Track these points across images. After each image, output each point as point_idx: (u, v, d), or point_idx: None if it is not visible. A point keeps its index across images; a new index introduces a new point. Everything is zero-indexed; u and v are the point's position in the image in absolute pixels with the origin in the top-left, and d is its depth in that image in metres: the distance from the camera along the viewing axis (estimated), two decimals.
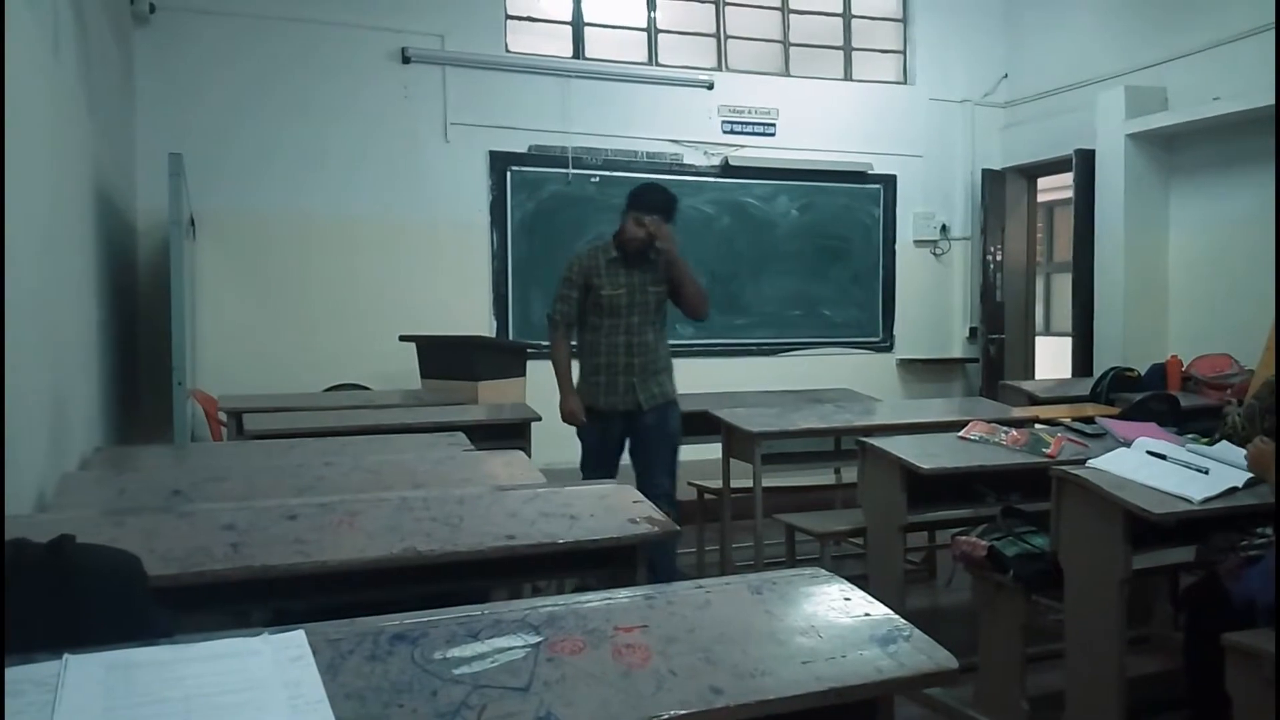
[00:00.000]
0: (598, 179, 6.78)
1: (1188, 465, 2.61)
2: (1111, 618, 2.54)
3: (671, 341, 3.96)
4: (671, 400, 3.99)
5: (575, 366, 4.05)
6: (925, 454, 3.13)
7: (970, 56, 7.64)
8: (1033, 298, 7.92)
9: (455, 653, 1.21)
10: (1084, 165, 6.60)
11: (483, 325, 6.49)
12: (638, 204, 3.94)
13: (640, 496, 2.21)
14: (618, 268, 3.93)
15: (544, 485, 2.35)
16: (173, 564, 1.71)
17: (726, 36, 7.22)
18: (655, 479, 3.83)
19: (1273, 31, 5.03)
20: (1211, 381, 4.96)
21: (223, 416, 4.57)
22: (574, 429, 3.99)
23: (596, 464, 3.92)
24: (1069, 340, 6.93)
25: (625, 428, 3.93)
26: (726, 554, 4.18)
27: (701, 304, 4.02)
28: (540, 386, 5.49)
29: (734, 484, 4.20)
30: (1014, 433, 3.35)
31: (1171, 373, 5.06)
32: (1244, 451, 2.65)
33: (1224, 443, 2.78)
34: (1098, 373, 5.29)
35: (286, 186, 6.08)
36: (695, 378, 5.55)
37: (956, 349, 7.72)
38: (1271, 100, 4.91)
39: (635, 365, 3.90)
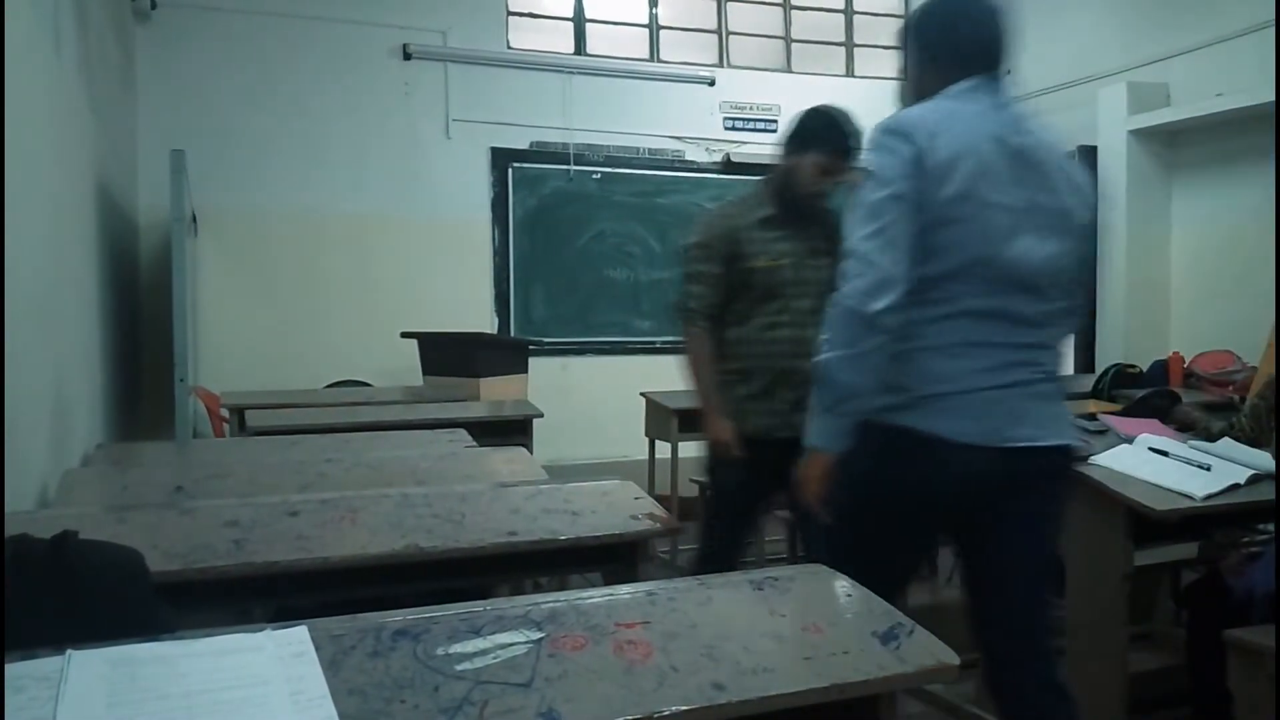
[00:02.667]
0: (599, 175, 6.78)
1: (1190, 462, 2.60)
2: (1113, 614, 2.53)
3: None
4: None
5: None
6: None
7: None
8: None
9: (457, 649, 1.21)
10: (1086, 161, 6.59)
11: (484, 322, 6.49)
12: (832, 143, 2.68)
13: (641, 492, 2.21)
14: (774, 229, 2.75)
15: (546, 482, 2.34)
16: (175, 560, 1.71)
17: (728, 33, 7.21)
18: None
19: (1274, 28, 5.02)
20: (1213, 378, 4.96)
21: (225, 413, 4.57)
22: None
23: (732, 512, 2.83)
24: (1071, 336, 6.92)
25: (781, 464, 2.44)
26: None
27: None
28: (542, 383, 5.50)
29: None
30: None
31: (1173, 369, 5.05)
32: (1247, 449, 2.65)
33: (1226, 439, 2.78)
34: (1099, 369, 5.29)
35: (288, 183, 6.08)
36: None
37: None
38: (1274, 96, 4.90)
39: (803, 372, 2.48)
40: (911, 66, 1.98)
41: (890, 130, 1.81)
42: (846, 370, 1.76)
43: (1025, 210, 1.78)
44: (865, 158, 1.84)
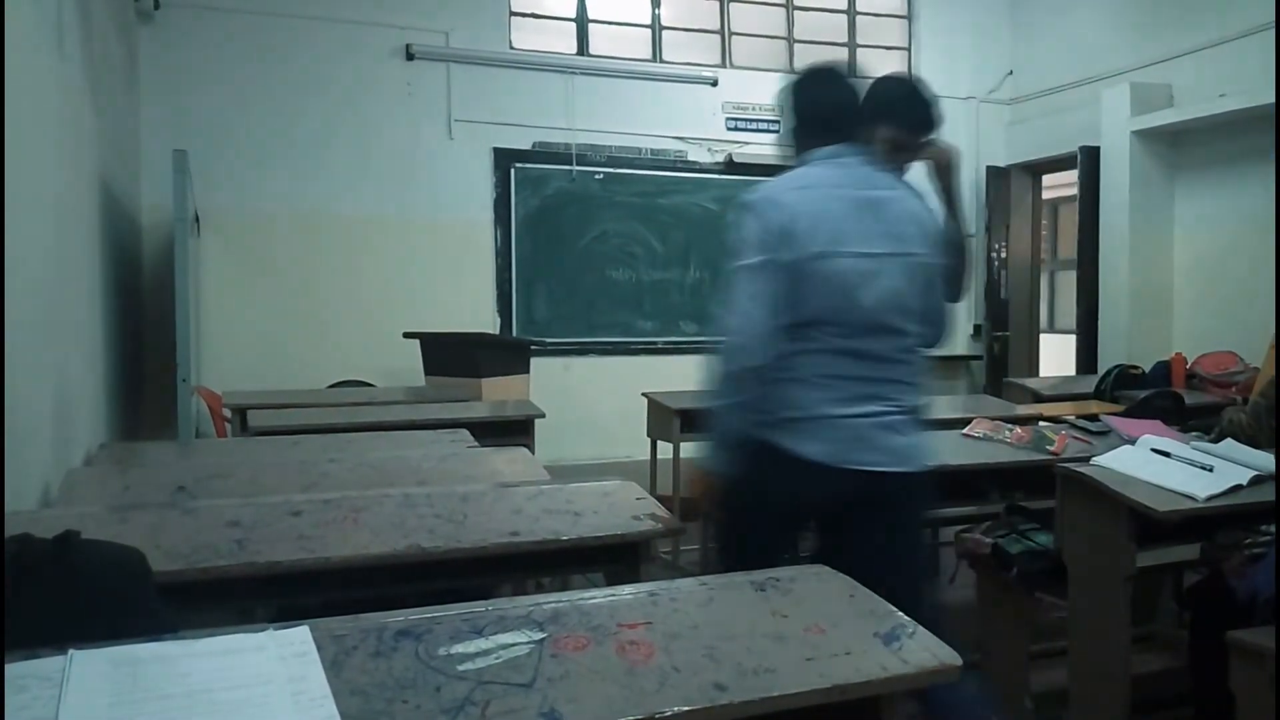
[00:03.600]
0: (601, 176, 6.78)
1: (1192, 463, 2.60)
2: (1116, 615, 2.53)
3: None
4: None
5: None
6: None
7: (975, 53, 7.62)
8: (1037, 295, 7.91)
9: (459, 649, 1.21)
10: (1089, 162, 6.59)
11: (486, 322, 6.49)
12: (906, 115, 2.26)
13: (643, 492, 2.21)
14: None
15: (548, 482, 2.34)
16: (177, 560, 1.71)
17: (731, 33, 7.21)
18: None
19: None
20: (1216, 379, 4.95)
21: (227, 413, 4.57)
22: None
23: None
24: (1073, 337, 6.92)
25: None
26: None
27: (968, 272, 2.47)
28: (544, 383, 5.50)
29: None
30: (1018, 430, 3.34)
31: (1176, 370, 5.05)
32: (1249, 449, 2.65)
33: (1229, 440, 2.78)
34: (1102, 370, 5.28)
35: (291, 183, 6.08)
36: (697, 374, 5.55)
37: (961, 346, 7.71)
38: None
39: None
40: (787, 133, 2.25)
41: (759, 199, 2.08)
42: (732, 415, 2.05)
43: (878, 258, 2.04)
44: (734, 227, 2.09)
